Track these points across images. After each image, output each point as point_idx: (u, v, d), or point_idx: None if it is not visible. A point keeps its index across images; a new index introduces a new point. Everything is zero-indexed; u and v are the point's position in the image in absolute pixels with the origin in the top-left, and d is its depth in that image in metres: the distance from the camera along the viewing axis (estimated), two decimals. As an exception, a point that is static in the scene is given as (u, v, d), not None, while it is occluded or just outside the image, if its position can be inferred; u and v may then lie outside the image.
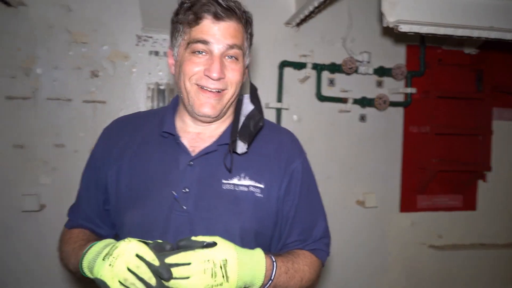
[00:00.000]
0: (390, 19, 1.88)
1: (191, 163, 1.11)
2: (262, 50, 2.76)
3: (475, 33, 1.96)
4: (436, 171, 2.95)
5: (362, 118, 2.94)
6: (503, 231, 3.28)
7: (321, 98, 2.80)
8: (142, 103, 2.65)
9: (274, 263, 1.02)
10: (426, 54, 2.95)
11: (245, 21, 1.11)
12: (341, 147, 2.92)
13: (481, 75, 3.13)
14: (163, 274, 0.84)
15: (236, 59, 1.09)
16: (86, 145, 2.58)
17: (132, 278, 0.83)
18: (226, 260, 0.90)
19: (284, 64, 2.75)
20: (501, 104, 3.22)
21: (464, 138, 3.13)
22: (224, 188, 1.09)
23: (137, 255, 0.85)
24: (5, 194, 2.51)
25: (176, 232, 1.06)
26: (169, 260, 0.86)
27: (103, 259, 0.86)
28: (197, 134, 1.16)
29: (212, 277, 0.87)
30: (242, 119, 1.14)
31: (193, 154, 1.12)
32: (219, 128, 1.17)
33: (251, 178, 1.10)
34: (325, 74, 2.85)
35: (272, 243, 1.17)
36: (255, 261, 0.96)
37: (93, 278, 0.88)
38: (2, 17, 2.44)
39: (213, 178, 1.09)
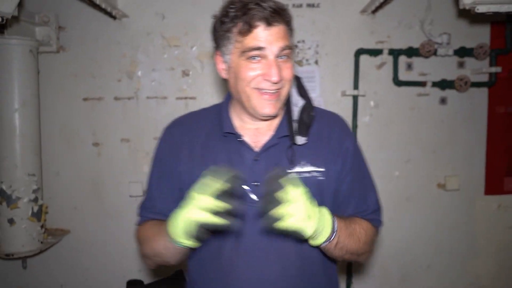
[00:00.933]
0: (466, 0, 1.89)
1: (257, 158, 1.19)
2: (337, 39, 2.86)
3: None
4: (526, 152, 2.84)
5: (443, 100, 2.91)
6: None
7: (398, 83, 2.84)
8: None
9: (333, 217, 1.10)
10: (514, 30, 2.83)
11: (289, 20, 1.16)
12: (421, 130, 2.93)
13: None
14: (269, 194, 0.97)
15: (288, 57, 1.15)
16: (181, 137, 2.91)
17: (223, 204, 0.95)
18: (311, 201, 1.04)
19: (360, 52, 2.83)
20: None
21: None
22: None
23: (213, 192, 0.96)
24: (116, 181, 2.92)
25: (253, 221, 1.13)
26: (284, 185, 0.97)
27: (197, 205, 0.97)
28: (256, 130, 1.24)
29: (310, 206, 1.01)
30: (294, 109, 1.23)
31: (256, 149, 1.20)
32: (274, 120, 1.24)
33: (312, 164, 1.19)
34: (402, 59, 2.87)
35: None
36: (322, 214, 1.06)
37: (200, 224, 0.98)
38: (110, 28, 2.83)
39: (293, 165, 1.19)
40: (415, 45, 2.82)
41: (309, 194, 1.03)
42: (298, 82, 1.30)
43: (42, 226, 2.61)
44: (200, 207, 0.96)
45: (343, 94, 2.87)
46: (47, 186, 2.84)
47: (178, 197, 1.23)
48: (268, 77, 1.10)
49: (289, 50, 1.14)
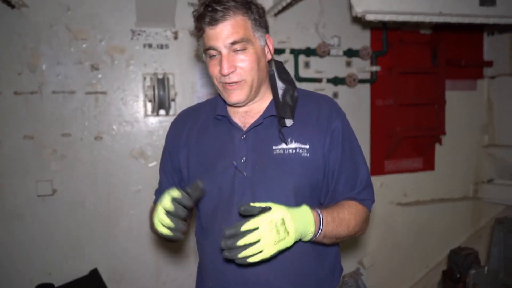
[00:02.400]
0: (358, 9, 2.25)
1: (244, 136, 1.29)
2: (244, 38, 3.07)
3: (427, 18, 2.37)
4: (401, 137, 3.40)
5: (335, 95, 3.33)
6: (458, 186, 3.81)
7: (299, 79, 3.16)
8: (140, 91, 2.93)
9: (320, 215, 1.15)
10: (388, 36, 3.36)
11: (245, 9, 1.20)
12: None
13: (436, 52, 3.58)
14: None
15: (244, 49, 1.20)
16: (91, 133, 2.85)
17: (166, 219, 1.10)
18: (283, 218, 1.05)
19: (265, 50, 3.08)
20: (452, 76, 3.69)
21: (423, 107, 3.59)
22: (275, 153, 1.26)
23: (174, 199, 1.10)
24: (21, 181, 2.75)
25: (241, 194, 1.25)
26: (244, 228, 1.01)
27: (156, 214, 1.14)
28: (245, 112, 1.34)
29: (277, 234, 1.03)
30: (280, 92, 1.30)
31: (244, 129, 1.30)
32: (262, 104, 1.33)
33: (296, 141, 1.26)
34: (302, 58, 3.21)
35: (322, 196, 1.32)
36: (304, 215, 1.10)
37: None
38: (7, 18, 2.64)
39: (264, 146, 1.27)
40: (312, 45, 3.17)
41: (282, 206, 1.09)
42: (278, 66, 1.36)
43: None
44: (157, 220, 1.13)
45: (251, 89, 3.09)
46: None
47: (179, 179, 1.42)
48: (221, 71, 1.20)
49: (243, 42, 1.19)
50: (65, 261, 2.86)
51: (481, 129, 3.87)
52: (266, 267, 1.20)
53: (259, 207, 1.06)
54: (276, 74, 1.33)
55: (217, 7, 1.16)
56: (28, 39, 2.69)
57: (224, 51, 1.19)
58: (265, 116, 1.29)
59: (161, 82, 2.83)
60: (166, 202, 1.10)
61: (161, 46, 2.96)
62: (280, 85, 1.31)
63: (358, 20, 2.92)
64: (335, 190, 1.30)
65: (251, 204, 1.07)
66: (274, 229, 1.03)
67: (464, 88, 3.79)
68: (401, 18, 2.30)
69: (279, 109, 1.27)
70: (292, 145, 1.26)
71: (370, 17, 2.25)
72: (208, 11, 1.17)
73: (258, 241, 1.01)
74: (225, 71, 1.19)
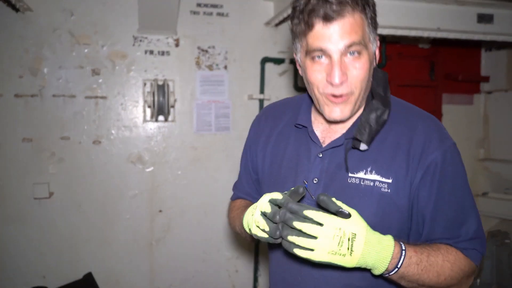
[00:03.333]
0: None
1: (321, 155, 1.12)
2: (244, 47, 3.11)
3: (425, 34, 2.41)
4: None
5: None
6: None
7: (298, 88, 3.20)
8: (140, 97, 2.95)
9: (403, 251, 0.94)
10: (387, 49, 3.40)
11: (362, 6, 0.99)
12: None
13: (433, 66, 3.63)
14: (289, 217, 0.88)
15: (359, 53, 1.00)
16: (89, 137, 2.87)
17: (263, 222, 0.93)
18: (355, 234, 0.88)
19: (265, 60, 3.12)
20: (450, 90, 3.73)
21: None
22: (349, 181, 1.06)
23: (270, 201, 0.94)
24: (18, 184, 2.76)
25: None
26: (307, 212, 0.88)
27: (252, 214, 1.00)
28: (329, 126, 1.16)
29: (338, 245, 0.86)
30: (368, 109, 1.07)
31: (323, 145, 1.12)
32: (350, 119, 1.11)
33: (377, 173, 1.05)
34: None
35: (410, 239, 1.09)
36: (382, 246, 0.91)
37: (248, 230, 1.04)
38: (11, 21, 2.67)
39: (340, 171, 1.08)
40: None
41: (366, 224, 0.92)
42: (378, 78, 1.09)
43: None
44: (253, 216, 0.98)
45: (250, 97, 3.13)
46: None
47: (256, 180, 1.33)
48: (330, 79, 0.99)
49: (360, 45, 0.99)
50: (60, 264, 2.86)
51: (477, 143, 3.90)
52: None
53: (339, 207, 0.90)
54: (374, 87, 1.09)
55: (334, 0, 0.96)
56: (30, 43, 2.72)
57: (337, 56, 0.99)
58: (348, 136, 1.09)
59: (161, 89, 2.86)
60: (265, 204, 0.94)
61: (162, 53, 2.99)
62: (373, 102, 1.06)
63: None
64: (431, 236, 1.06)
65: (334, 199, 0.91)
66: (337, 238, 0.87)
67: (461, 102, 3.83)
68: (399, 32, 2.34)
69: (357, 127, 1.04)
70: (372, 176, 1.05)
71: (383, 32, 2.30)
72: (322, 2, 0.96)
73: (315, 238, 0.87)
74: (337, 80, 0.98)
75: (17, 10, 2.61)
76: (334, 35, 0.97)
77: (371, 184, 1.04)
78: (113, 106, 2.93)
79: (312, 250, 0.87)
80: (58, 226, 2.86)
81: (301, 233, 0.88)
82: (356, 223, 0.90)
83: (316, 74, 1.02)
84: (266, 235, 0.95)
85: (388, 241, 0.93)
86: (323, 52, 0.99)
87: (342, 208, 0.90)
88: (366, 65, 1.01)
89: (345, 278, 1.08)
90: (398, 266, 0.94)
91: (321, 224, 0.87)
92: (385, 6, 2.33)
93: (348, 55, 0.99)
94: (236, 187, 1.45)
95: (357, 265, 0.90)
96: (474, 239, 1.06)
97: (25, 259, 2.78)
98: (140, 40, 2.94)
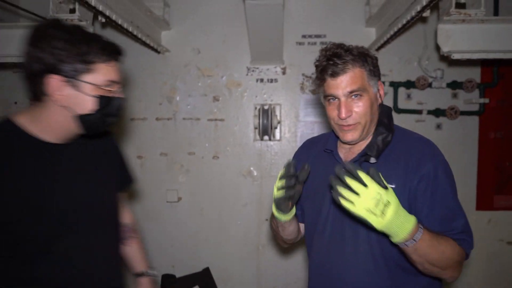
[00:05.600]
0: (445, 49, 2.35)
1: None
2: (346, 72, 3.33)
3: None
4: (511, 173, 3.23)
5: (438, 126, 3.34)
6: None
7: (398, 110, 3.29)
8: (251, 119, 3.41)
9: (421, 229, 1.17)
10: (501, 66, 3.25)
11: (362, 62, 1.35)
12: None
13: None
14: (347, 166, 1.13)
15: (360, 95, 1.34)
16: (210, 153, 3.43)
17: (282, 181, 1.31)
18: (389, 202, 1.11)
19: (365, 84, 3.29)
20: None
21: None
22: None
23: (286, 165, 1.31)
24: (155, 189, 3.45)
25: (333, 223, 1.42)
26: (359, 173, 1.11)
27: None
28: (349, 149, 1.49)
29: (375, 205, 1.10)
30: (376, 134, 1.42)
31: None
32: (364, 143, 1.44)
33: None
34: (402, 90, 3.33)
35: None
36: (406, 219, 1.15)
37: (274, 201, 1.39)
38: (154, 60, 3.40)
39: None
40: (413, 78, 3.28)
41: (397, 200, 1.15)
42: (383, 111, 1.46)
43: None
44: (275, 187, 1.36)
45: (350, 119, 3.33)
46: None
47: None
48: (339, 115, 1.35)
49: (360, 90, 1.33)
50: (185, 257, 3.46)
51: None
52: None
53: (381, 180, 1.13)
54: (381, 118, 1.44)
55: (337, 61, 1.32)
56: (168, 77, 3.41)
57: (343, 99, 1.34)
58: (362, 154, 1.41)
59: (266, 112, 3.28)
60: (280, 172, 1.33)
61: (271, 80, 3.42)
62: (379, 128, 1.42)
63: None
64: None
65: (379, 173, 1.14)
66: (375, 200, 1.10)
67: None
68: (491, 56, 2.32)
69: (367, 146, 1.40)
70: None
71: (456, 56, 2.34)
72: (330, 64, 1.33)
73: (358, 195, 1.10)
74: (343, 115, 1.34)
75: (158, 52, 3.32)
76: (339, 85, 1.34)
77: None
78: (229, 127, 3.44)
79: (353, 203, 1.11)
80: (184, 226, 3.47)
81: (348, 189, 1.12)
82: (392, 195, 1.14)
83: (332, 112, 1.40)
84: (283, 192, 1.32)
85: (412, 217, 1.17)
86: (334, 96, 1.37)
87: (383, 181, 1.14)
88: (367, 103, 1.36)
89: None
90: (415, 239, 1.16)
91: (366, 186, 1.11)
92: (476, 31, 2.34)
93: (353, 97, 1.35)
94: None
95: (384, 228, 1.13)
96: (464, 233, 1.30)
97: (158, 250, 3.44)
98: (253, 70, 3.41)
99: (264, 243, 3.44)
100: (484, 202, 3.36)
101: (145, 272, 1.77)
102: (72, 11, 2.44)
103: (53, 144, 1.31)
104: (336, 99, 1.37)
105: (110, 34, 3.38)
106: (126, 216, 1.77)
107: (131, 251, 1.77)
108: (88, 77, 1.24)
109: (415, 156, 1.34)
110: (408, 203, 1.32)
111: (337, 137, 1.50)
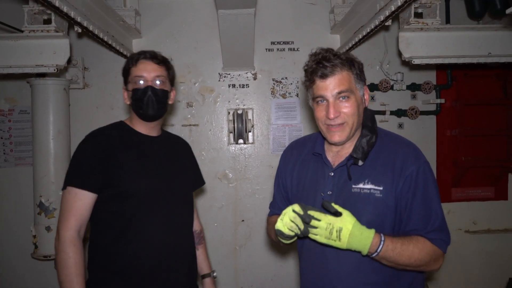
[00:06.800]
0: (406, 55, 2.55)
1: (332, 173, 1.52)
2: (314, 77, 3.51)
3: (475, 60, 2.57)
4: (467, 167, 3.51)
5: (400, 125, 3.58)
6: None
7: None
8: (224, 124, 3.51)
9: (382, 241, 1.32)
10: (454, 70, 3.53)
11: (349, 65, 1.43)
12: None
13: (506, 83, 3.63)
14: (305, 218, 1.29)
15: (348, 97, 1.42)
16: (186, 157, 3.49)
17: (292, 224, 1.33)
18: (341, 228, 1.29)
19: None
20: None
21: (494, 138, 3.62)
22: (353, 191, 1.45)
23: (293, 211, 1.33)
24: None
25: None
26: (310, 212, 1.30)
27: (281, 219, 1.36)
28: (337, 152, 1.56)
29: (329, 234, 1.29)
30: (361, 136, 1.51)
31: (333, 167, 1.52)
32: (351, 146, 1.52)
33: (372, 183, 1.44)
34: (366, 93, 3.54)
35: (395, 229, 1.45)
36: (364, 236, 1.30)
37: (276, 231, 1.38)
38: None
39: (346, 184, 1.47)
40: (376, 81, 3.50)
41: (354, 221, 1.31)
42: (366, 114, 1.53)
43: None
44: (281, 222, 1.36)
45: (319, 121, 3.50)
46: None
47: (287, 197, 1.73)
48: (328, 116, 1.43)
49: (347, 92, 1.42)
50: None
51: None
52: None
53: (335, 209, 1.31)
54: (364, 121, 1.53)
55: (326, 64, 1.41)
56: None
57: (331, 100, 1.42)
58: (348, 158, 1.50)
59: (240, 117, 3.39)
60: (291, 213, 1.34)
61: (243, 86, 3.53)
62: (363, 131, 1.51)
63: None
64: (406, 227, 1.43)
65: (333, 204, 1.32)
66: (328, 230, 1.29)
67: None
68: (447, 61, 2.54)
69: (353, 149, 1.48)
70: (368, 185, 1.44)
71: (416, 61, 2.54)
72: (320, 67, 1.42)
73: (316, 228, 1.29)
74: (332, 115, 1.42)
75: (125, 56, 3.34)
76: (328, 87, 1.43)
77: (368, 191, 1.44)
78: (203, 132, 3.53)
79: (316, 235, 1.31)
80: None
81: (312, 226, 1.31)
82: (344, 220, 1.31)
83: (320, 113, 1.48)
84: (292, 233, 1.36)
85: (369, 233, 1.33)
86: (323, 97, 1.45)
87: (336, 210, 1.31)
88: (353, 104, 1.44)
89: (360, 274, 1.47)
90: (378, 250, 1.33)
91: (319, 220, 1.30)
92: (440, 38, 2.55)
93: (340, 98, 1.43)
94: (272, 205, 1.85)
95: (347, 248, 1.32)
96: (439, 231, 1.42)
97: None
98: (225, 76, 3.52)
99: (241, 243, 3.54)
100: (443, 195, 3.62)
101: (211, 274, 2.06)
102: (47, 21, 2.45)
103: (146, 135, 1.81)
104: (325, 101, 1.44)
105: (81, 43, 3.39)
106: (197, 223, 2.10)
107: (199, 254, 2.04)
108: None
109: (400, 159, 1.43)
110: (395, 203, 1.42)
111: (324, 139, 1.58)
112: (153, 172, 1.75)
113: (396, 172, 1.42)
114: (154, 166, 1.77)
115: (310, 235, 1.32)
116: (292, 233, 1.36)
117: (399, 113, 3.52)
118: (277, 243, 1.69)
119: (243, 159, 3.55)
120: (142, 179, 1.69)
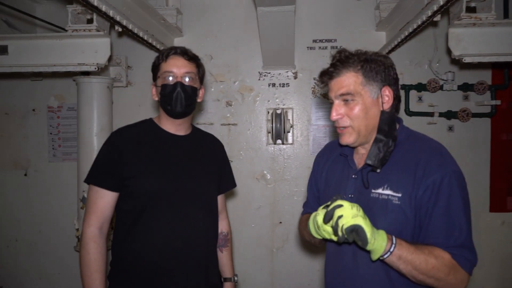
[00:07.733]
0: (456, 53, 2.38)
1: (354, 176, 1.48)
2: (357, 76, 3.37)
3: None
4: (525, 174, 3.24)
5: (450, 128, 3.36)
6: None
7: (409, 113, 3.31)
8: (263, 123, 3.46)
9: (393, 245, 1.22)
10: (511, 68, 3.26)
11: (359, 67, 1.37)
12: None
13: None
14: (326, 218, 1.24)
15: (352, 100, 1.37)
16: (224, 157, 3.48)
17: (322, 226, 1.27)
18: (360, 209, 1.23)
19: (376, 87, 3.33)
20: None
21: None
22: (372, 196, 1.39)
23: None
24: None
25: None
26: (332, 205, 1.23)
27: (312, 222, 1.33)
28: (362, 155, 1.51)
29: (357, 210, 1.20)
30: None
31: (357, 169, 1.48)
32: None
33: (391, 189, 1.36)
34: (413, 93, 3.36)
35: (414, 240, 1.34)
36: (381, 237, 1.22)
37: (309, 230, 1.36)
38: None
39: (366, 188, 1.42)
40: (424, 81, 3.30)
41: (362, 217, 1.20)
42: (383, 118, 1.41)
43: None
44: (312, 222, 1.34)
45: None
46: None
47: (318, 197, 1.71)
48: (330, 117, 1.43)
49: (350, 94, 1.36)
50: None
51: None
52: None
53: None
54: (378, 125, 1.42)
55: (331, 65, 1.41)
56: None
57: (335, 101, 1.41)
58: (364, 166, 1.45)
59: (278, 116, 3.32)
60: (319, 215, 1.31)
61: (283, 85, 3.46)
62: (377, 135, 1.41)
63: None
64: (425, 240, 1.31)
65: (334, 197, 1.28)
66: (354, 207, 1.20)
67: None
68: (502, 59, 2.34)
69: (367, 156, 1.39)
70: (387, 191, 1.37)
71: (467, 60, 2.36)
72: (328, 68, 1.42)
73: (341, 216, 1.20)
74: (331, 117, 1.42)
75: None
76: (332, 88, 1.42)
77: (386, 197, 1.37)
78: (242, 132, 3.49)
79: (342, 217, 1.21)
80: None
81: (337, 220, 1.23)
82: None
83: (332, 114, 1.43)
84: (333, 237, 1.28)
85: (382, 232, 1.24)
86: (331, 99, 1.44)
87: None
88: (359, 107, 1.37)
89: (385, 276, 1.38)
90: (390, 250, 1.23)
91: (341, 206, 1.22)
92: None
93: (344, 101, 1.39)
94: (305, 205, 1.84)
95: (369, 234, 1.19)
96: (462, 248, 1.27)
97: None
98: (264, 75, 3.47)
99: (278, 245, 3.48)
100: (497, 204, 3.37)
101: (232, 278, 1.99)
102: (90, 21, 2.51)
103: (171, 133, 1.78)
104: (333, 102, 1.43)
105: (125, 43, 3.47)
106: (224, 225, 2.02)
107: (223, 257, 1.98)
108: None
109: (423, 164, 1.32)
110: (414, 212, 1.33)
111: None
112: (166, 172, 1.70)
113: (418, 178, 1.32)
114: (169, 166, 1.71)
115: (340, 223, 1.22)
116: (333, 238, 1.29)
117: (448, 115, 3.30)
118: (309, 242, 1.66)
119: (282, 160, 3.48)
120: (149, 179, 1.66)
